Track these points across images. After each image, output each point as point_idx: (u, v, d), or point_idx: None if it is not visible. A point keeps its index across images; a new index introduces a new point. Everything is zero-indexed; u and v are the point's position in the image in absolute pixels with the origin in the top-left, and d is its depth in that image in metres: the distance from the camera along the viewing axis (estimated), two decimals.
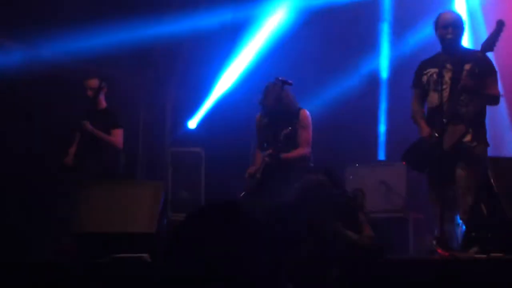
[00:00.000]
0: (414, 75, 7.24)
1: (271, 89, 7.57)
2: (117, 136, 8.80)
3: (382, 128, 11.56)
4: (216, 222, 2.17)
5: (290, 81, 7.51)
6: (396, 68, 11.29)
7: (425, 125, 6.98)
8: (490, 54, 6.91)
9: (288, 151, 7.49)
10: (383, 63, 11.63)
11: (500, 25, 6.69)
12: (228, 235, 2.14)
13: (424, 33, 9.52)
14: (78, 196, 6.99)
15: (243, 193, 7.74)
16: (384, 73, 11.59)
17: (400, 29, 11.36)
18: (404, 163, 9.15)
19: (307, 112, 7.73)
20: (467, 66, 6.76)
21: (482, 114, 6.92)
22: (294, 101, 7.68)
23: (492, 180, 5.78)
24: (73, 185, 7.95)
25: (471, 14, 10.77)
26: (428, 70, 7.07)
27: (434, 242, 6.39)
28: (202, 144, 11.43)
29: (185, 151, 11.40)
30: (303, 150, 7.55)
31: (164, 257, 2.29)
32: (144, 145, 12.03)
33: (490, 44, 6.68)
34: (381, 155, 11.45)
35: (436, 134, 6.75)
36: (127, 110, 10.36)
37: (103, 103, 8.84)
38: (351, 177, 9.59)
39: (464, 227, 6.51)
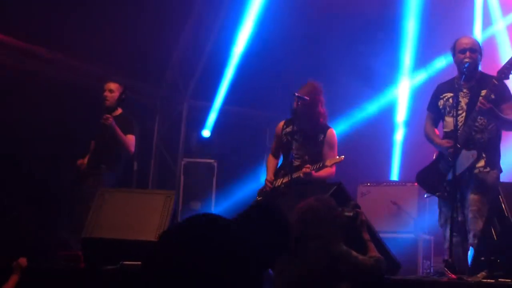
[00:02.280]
0: (431, 98, 7.25)
1: (296, 101, 7.59)
2: (131, 141, 8.82)
3: (396, 148, 11.58)
4: (198, 239, 2.14)
5: (306, 98, 7.54)
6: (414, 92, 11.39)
7: (440, 140, 7.00)
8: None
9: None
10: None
11: None
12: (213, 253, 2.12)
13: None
14: (92, 203, 7.04)
15: (258, 198, 7.82)
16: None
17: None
18: (416, 184, 9.18)
19: (334, 131, 7.78)
20: (483, 92, 6.77)
21: (497, 140, 6.93)
22: (324, 117, 7.73)
23: (503, 206, 5.77)
24: (87, 192, 8.08)
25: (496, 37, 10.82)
26: (444, 95, 7.08)
27: (443, 265, 6.39)
28: (215, 155, 11.49)
29: (198, 162, 11.44)
30: (331, 170, 7.57)
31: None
32: (158, 154, 12.09)
33: (506, 71, 6.68)
34: (394, 175, 11.46)
35: (450, 159, 6.77)
36: (142, 119, 10.43)
37: (119, 109, 8.88)
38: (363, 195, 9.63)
39: (473, 251, 6.49)
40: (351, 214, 5.39)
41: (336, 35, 11.28)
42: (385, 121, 11.64)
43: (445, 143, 6.90)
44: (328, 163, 7.42)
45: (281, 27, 11.23)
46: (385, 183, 10.26)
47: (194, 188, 11.17)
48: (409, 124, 11.47)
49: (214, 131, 12.00)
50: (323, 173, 7.53)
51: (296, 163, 7.56)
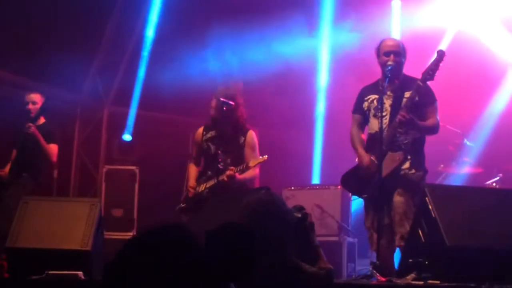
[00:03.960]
0: (356, 100, 7.29)
1: (220, 106, 7.62)
2: (53, 150, 8.89)
3: (317, 151, 11.66)
4: (157, 246, 2.11)
5: (231, 102, 7.57)
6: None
7: (363, 153, 7.05)
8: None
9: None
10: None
11: (440, 54, 6.79)
12: (169, 260, 2.10)
13: None
14: (14, 212, 6.87)
15: (182, 205, 7.79)
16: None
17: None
18: (339, 187, 9.25)
19: (254, 133, 7.85)
20: (407, 94, 6.85)
21: (421, 141, 7.01)
22: (244, 119, 7.75)
23: (430, 207, 5.82)
24: (8, 201, 7.97)
25: None
26: (369, 97, 7.13)
27: (371, 267, 6.42)
28: (138, 162, 11.37)
29: (120, 169, 11.30)
30: (255, 172, 7.60)
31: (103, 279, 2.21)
32: (78, 161, 11.92)
33: (430, 73, 6.77)
34: (316, 179, 11.53)
35: (374, 159, 6.82)
36: (62, 126, 10.27)
37: (42, 118, 8.85)
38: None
39: (400, 253, 6.55)
40: (299, 215, 4.70)
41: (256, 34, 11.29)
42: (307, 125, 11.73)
43: (367, 162, 6.94)
44: (251, 164, 7.47)
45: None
46: (308, 187, 10.31)
47: (116, 195, 11.02)
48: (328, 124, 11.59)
49: (136, 137, 11.85)
50: (247, 175, 7.57)
51: (219, 166, 7.57)
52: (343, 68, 11.20)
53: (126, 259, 2.12)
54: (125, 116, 11.88)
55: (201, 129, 7.99)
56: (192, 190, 7.76)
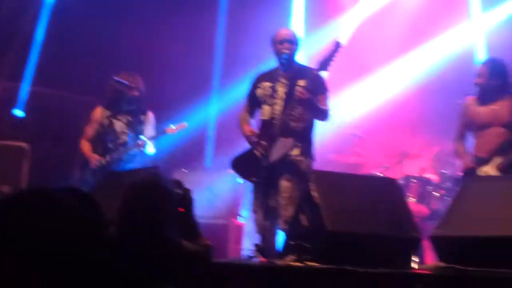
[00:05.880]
0: (249, 87, 7.40)
1: (116, 86, 7.81)
2: None
3: (210, 135, 11.74)
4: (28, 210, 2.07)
5: (125, 82, 7.71)
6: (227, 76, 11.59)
7: (248, 127, 7.26)
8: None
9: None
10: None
11: (336, 46, 6.90)
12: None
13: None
14: None
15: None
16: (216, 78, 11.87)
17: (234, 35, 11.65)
18: (230, 170, 9.34)
19: (152, 113, 8.25)
20: (301, 82, 7.00)
21: (311, 130, 7.18)
22: (142, 98, 8.12)
23: (313, 193, 5.96)
24: None
25: None
26: (262, 83, 7.25)
27: (255, 249, 6.54)
28: (30, 139, 11.16)
29: (7, 144, 11.06)
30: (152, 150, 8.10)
31: None
32: None
33: (325, 63, 6.90)
34: (208, 162, 11.61)
35: (264, 142, 6.94)
36: None
37: None
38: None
39: (284, 236, 6.69)
40: (180, 191, 4.58)
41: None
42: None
43: (248, 131, 7.09)
44: (170, 130, 8.13)
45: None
46: (199, 170, 10.37)
47: (4, 170, 10.79)
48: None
49: (29, 113, 11.63)
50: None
51: (122, 140, 8.07)
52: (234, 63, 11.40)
53: None
54: (16, 90, 11.63)
55: (99, 108, 8.25)
56: (96, 162, 8.02)
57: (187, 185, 8.21)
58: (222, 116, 11.55)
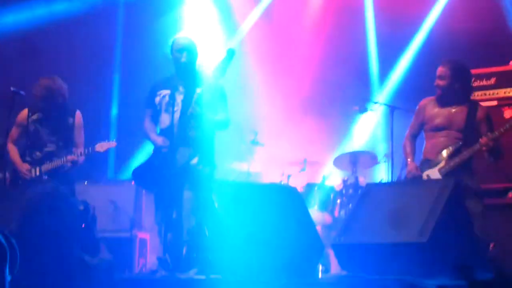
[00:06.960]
0: (147, 94, 7.31)
1: (45, 85, 7.64)
2: None
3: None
4: None
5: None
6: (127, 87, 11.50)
7: (156, 136, 7.10)
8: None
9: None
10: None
11: (230, 53, 6.85)
12: None
13: None
14: None
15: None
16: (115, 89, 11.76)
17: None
18: (133, 182, 9.23)
19: (80, 113, 7.98)
20: (198, 90, 6.94)
21: (211, 137, 7.10)
22: (65, 98, 7.90)
23: (216, 203, 5.94)
24: None
25: None
26: (160, 91, 7.17)
27: (157, 262, 6.46)
28: None
29: None
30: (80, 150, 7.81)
31: None
32: None
33: (221, 70, 6.86)
34: (110, 173, 11.45)
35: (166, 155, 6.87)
36: None
37: None
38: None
39: (187, 248, 6.62)
40: (82, 207, 4.64)
41: None
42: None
43: (161, 141, 6.99)
44: (98, 148, 7.79)
45: None
46: (102, 182, 10.20)
47: None
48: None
49: None
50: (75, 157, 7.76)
51: (49, 149, 7.74)
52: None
53: None
54: None
55: (25, 111, 7.94)
56: (27, 173, 7.68)
57: (89, 198, 8.08)
58: (123, 124, 11.43)
